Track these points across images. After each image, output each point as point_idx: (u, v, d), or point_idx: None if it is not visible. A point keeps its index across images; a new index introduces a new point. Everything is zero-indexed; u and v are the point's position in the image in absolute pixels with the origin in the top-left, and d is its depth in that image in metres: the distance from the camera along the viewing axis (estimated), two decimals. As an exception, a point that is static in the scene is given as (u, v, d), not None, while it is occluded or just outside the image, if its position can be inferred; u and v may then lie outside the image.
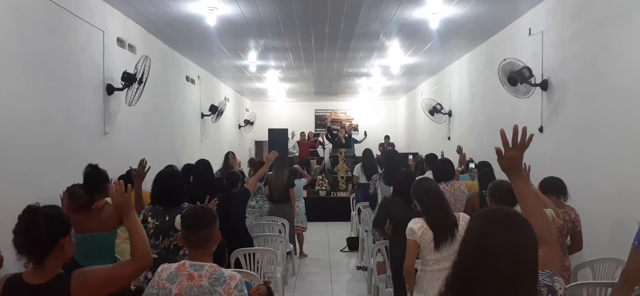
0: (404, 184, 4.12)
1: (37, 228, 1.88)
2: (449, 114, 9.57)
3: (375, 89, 13.41)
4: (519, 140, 1.80)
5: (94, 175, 3.51)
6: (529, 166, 3.52)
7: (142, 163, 3.78)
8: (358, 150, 13.63)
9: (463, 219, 3.18)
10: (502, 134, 1.85)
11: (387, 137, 14.21)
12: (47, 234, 1.90)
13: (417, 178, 3.46)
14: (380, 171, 6.67)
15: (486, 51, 7.57)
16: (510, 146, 1.81)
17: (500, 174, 4.68)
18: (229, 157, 6.34)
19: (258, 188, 6.97)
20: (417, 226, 3.17)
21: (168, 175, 3.61)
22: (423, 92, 11.95)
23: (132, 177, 3.91)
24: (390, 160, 5.58)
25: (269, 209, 6.73)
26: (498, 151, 1.84)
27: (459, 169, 5.89)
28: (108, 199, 3.52)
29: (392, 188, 5.24)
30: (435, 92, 10.68)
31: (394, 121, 16.70)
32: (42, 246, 1.89)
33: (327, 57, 9.04)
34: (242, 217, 4.94)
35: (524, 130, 1.81)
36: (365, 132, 14.36)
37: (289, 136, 13.47)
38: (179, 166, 6.43)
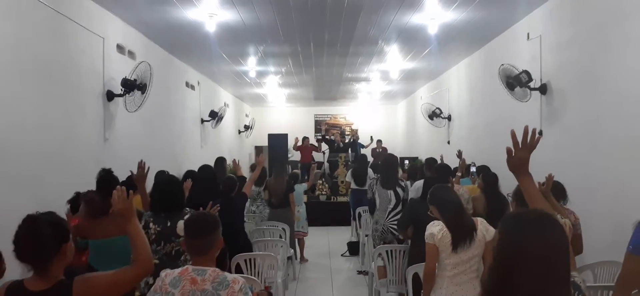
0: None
1: (42, 235, 1.89)
2: (448, 118, 9.58)
3: (375, 94, 13.43)
4: (528, 141, 1.85)
5: (108, 179, 3.51)
6: (553, 176, 3.53)
7: (141, 165, 3.77)
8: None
9: (481, 223, 3.19)
10: (513, 135, 1.90)
11: (379, 142, 14.17)
12: (53, 240, 1.91)
13: (434, 186, 3.46)
14: (374, 176, 6.66)
15: (485, 55, 7.59)
16: (520, 146, 1.84)
17: (503, 177, 4.67)
18: (233, 163, 6.36)
19: (258, 193, 6.97)
20: (436, 229, 3.16)
21: (167, 181, 3.61)
22: (422, 97, 11.97)
23: (133, 182, 3.91)
24: (387, 165, 5.57)
25: (269, 214, 6.73)
26: (509, 150, 1.90)
27: (459, 174, 5.89)
28: None
29: (390, 191, 5.24)
30: (434, 97, 10.70)
31: (393, 125, 16.72)
32: (48, 253, 1.90)
33: (326, 63, 9.06)
34: (241, 220, 4.96)
35: (534, 131, 1.88)
36: (371, 137, 14.33)
37: (292, 142, 13.42)
38: (179, 171, 6.43)
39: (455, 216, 3.16)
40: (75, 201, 3.74)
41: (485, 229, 3.16)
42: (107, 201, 3.33)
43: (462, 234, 3.11)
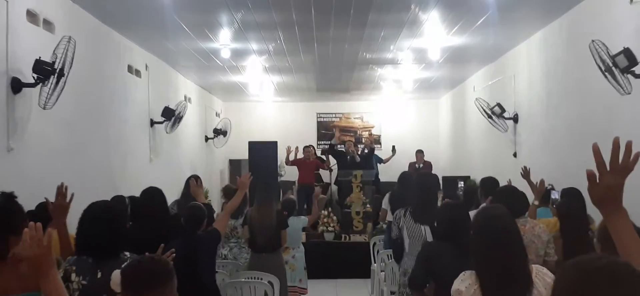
0: (451, 222, 4.08)
1: None
2: (515, 119, 9.57)
3: (405, 84, 13.44)
4: (621, 160, 1.82)
5: (7, 209, 3.50)
6: None
7: (61, 191, 3.78)
8: (384, 173, 13.61)
9: (537, 275, 3.11)
10: (596, 151, 1.88)
11: (420, 153, 14.14)
12: None
13: (480, 207, 3.42)
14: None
15: (567, 27, 7.60)
16: (609, 168, 1.83)
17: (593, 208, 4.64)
18: (191, 184, 6.33)
19: (232, 228, 6.95)
20: (464, 284, 3.12)
21: (100, 211, 3.60)
22: (476, 88, 11.97)
23: (49, 213, 3.90)
24: (422, 186, 5.53)
25: (250, 260, 6.71)
26: (591, 175, 1.88)
27: (535, 203, 5.85)
28: None
29: (425, 227, 5.20)
30: (494, 88, 10.70)
31: (433, 130, 16.72)
32: None
33: (334, 37, 9.06)
34: (212, 270, 4.96)
35: (628, 146, 1.85)
36: (393, 147, 14.30)
37: (283, 153, 13.41)
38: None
39: (495, 262, 3.03)
40: None
41: (544, 285, 3.06)
42: (3, 241, 3.31)
43: (502, 293, 3.03)
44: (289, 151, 12.87)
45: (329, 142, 14.12)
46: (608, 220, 1.93)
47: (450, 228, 4.08)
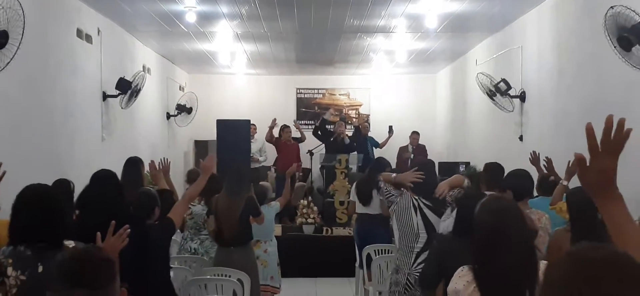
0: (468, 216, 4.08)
1: None
2: (521, 97, 9.63)
3: (399, 56, 13.44)
4: (613, 138, 1.88)
5: None
6: None
7: None
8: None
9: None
10: (590, 132, 1.93)
11: (415, 135, 14.16)
12: None
13: (485, 198, 3.41)
14: (395, 191, 6.61)
15: (584, -8, 7.63)
16: (600, 149, 1.89)
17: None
18: (139, 166, 6.31)
19: (204, 219, 6.97)
20: (462, 282, 3.14)
21: (37, 196, 3.59)
22: (478, 62, 12.02)
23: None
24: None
25: (216, 256, 6.71)
26: (581, 159, 1.93)
27: (564, 183, 5.88)
28: None
29: (418, 219, 5.21)
30: (499, 62, 10.75)
31: (429, 109, 16.79)
32: None
33: (316, 1, 9.05)
34: (165, 266, 4.96)
35: (621, 123, 1.91)
36: (390, 127, 14.26)
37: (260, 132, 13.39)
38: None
39: (494, 258, 3.01)
40: None
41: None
42: None
43: (501, 292, 3.01)
44: (273, 125, 12.95)
45: (322, 115, 14.16)
46: (603, 209, 1.95)
47: (466, 222, 4.07)
